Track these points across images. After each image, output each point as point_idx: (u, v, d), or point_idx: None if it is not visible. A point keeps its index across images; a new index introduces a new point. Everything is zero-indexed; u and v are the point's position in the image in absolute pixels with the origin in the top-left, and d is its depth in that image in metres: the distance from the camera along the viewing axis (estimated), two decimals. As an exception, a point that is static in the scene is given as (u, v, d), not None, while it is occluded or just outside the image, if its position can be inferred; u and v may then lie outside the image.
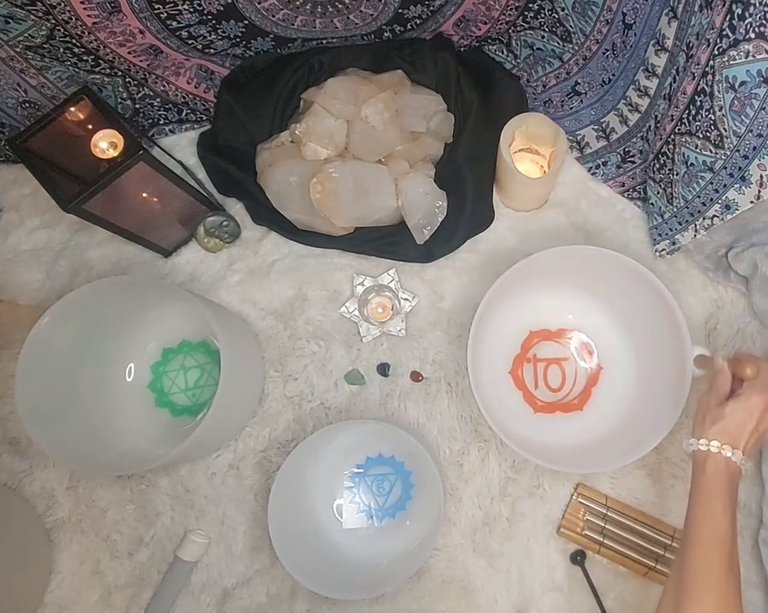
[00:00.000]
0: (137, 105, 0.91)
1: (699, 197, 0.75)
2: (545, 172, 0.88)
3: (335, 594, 0.76)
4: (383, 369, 0.87)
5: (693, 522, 0.60)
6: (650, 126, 0.81)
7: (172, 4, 0.71)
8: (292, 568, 0.74)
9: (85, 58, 0.79)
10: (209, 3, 0.72)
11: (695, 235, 0.79)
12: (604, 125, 0.90)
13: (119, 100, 0.89)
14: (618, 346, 0.85)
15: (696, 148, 0.70)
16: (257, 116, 0.92)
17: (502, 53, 0.94)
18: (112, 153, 0.73)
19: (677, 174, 0.76)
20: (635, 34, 0.74)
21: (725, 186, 0.70)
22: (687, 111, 0.69)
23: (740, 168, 0.66)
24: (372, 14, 0.80)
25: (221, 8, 0.73)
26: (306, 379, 0.88)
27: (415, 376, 0.87)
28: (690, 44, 0.64)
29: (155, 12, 0.72)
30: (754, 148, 0.63)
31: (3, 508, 0.83)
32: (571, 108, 0.92)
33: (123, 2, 0.70)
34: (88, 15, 0.71)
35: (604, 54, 0.81)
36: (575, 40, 0.83)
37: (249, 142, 0.93)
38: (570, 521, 0.81)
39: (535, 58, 0.91)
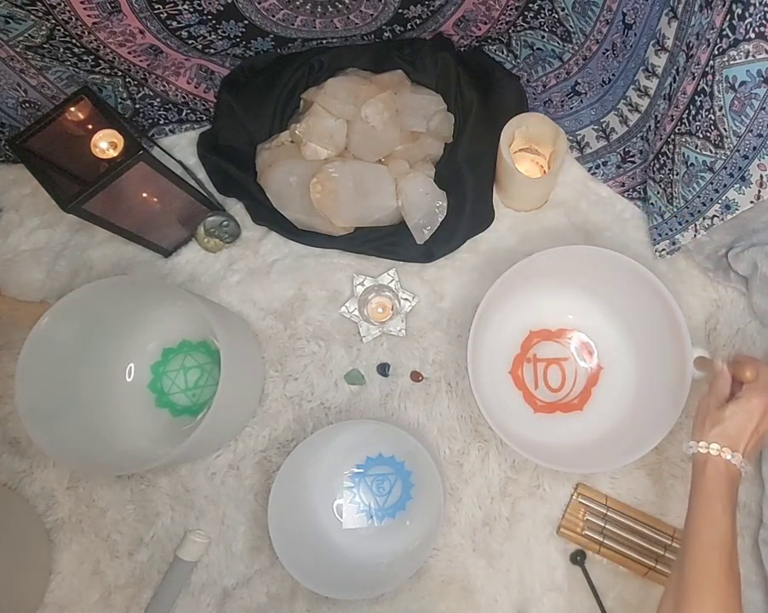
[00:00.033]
0: (137, 105, 0.91)
1: (699, 197, 0.75)
2: (545, 172, 0.88)
3: (335, 594, 0.76)
4: (383, 369, 0.87)
5: (693, 524, 0.60)
6: (650, 126, 0.81)
7: (172, 4, 0.71)
8: (292, 568, 0.74)
9: (85, 58, 0.79)
10: (209, 3, 0.72)
11: (695, 235, 0.79)
12: (604, 125, 0.90)
13: (119, 100, 0.89)
14: (618, 346, 0.85)
15: (696, 148, 0.70)
16: (257, 116, 0.92)
17: (502, 53, 0.94)
18: (112, 153, 0.73)
19: (677, 174, 0.76)
20: (635, 34, 0.74)
21: (724, 186, 0.70)
22: (687, 111, 0.69)
23: (740, 168, 0.66)
24: (372, 14, 0.80)
25: (221, 8, 0.73)
26: (306, 379, 0.88)
27: (415, 376, 0.87)
28: (690, 44, 0.64)
29: (155, 12, 0.72)
30: (754, 148, 0.63)
31: (3, 508, 0.83)
32: (571, 108, 0.92)
33: (123, 2, 0.70)
34: (88, 15, 0.71)
35: (604, 54, 0.81)
36: (575, 40, 0.83)
37: (249, 142, 0.93)
38: (570, 521, 0.81)
39: (535, 58, 0.91)
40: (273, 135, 0.91)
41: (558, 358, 0.86)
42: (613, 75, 0.83)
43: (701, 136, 0.68)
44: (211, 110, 0.95)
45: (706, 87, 0.63)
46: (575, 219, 0.92)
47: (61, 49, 0.76)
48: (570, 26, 0.81)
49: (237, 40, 0.82)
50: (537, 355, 0.87)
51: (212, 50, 0.83)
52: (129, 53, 0.80)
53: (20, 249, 0.95)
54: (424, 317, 0.89)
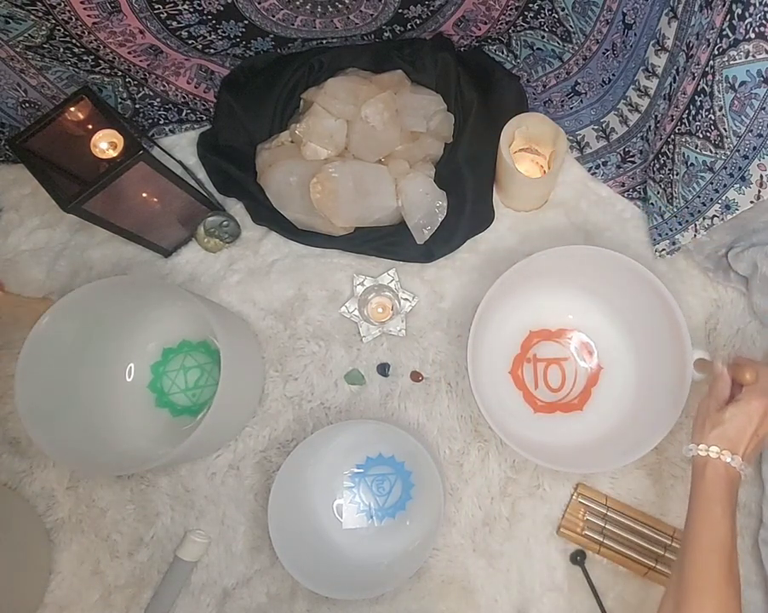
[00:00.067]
0: (137, 105, 0.91)
1: (699, 197, 0.75)
2: (545, 172, 0.88)
3: (335, 594, 0.76)
4: (383, 369, 0.87)
5: (693, 527, 0.60)
6: (650, 126, 0.81)
7: (172, 4, 0.71)
8: (292, 568, 0.74)
9: (85, 58, 0.79)
10: (209, 3, 0.72)
11: (695, 235, 0.79)
12: (604, 125, 0.90)
13: (119, 100, 0.89)
14: (618, 346, 0.85)
15: (696, 148, 0.70)
16: (257, 116, 0.92)
17: (502, 53, 0.94)
18: (112, 153, 0.73)
19: (677, 174, 0.76)
20: (635, 34, 0.74)
21: (725, 186, 0.70)
22: (687, 111, 0.69)
23: (740, 168, 0.66)
24: (372, 14, 0.80)
25: (221, 8, 0.73)
26: (306, 379, 0.88)
27: (415, 376, 0.87)
28: (690, 44, 0.64)
29: (155, 12, 0.72)
30: (754, 148, 0.63)
31: (3, 508, 0.83)
32: (571, 108, 0.92)
33: (123, 2, 0.70)
34: (88, 15, 0.71)
35: (604, 54, 0.81)
36: (575, 40, 0.83)
37: (249, 142, 0.93)
38: (570, 521, 0.81)
39: (535, 58, 0.91)
40: (273, 135, 0.91)
41: (558, 358, 0.86)
42: (613, 75, 0.83)
43: (701, 136, 0.68)
44: (211, 110, 0.95)
45: (706, 87, 0.63)
46: (575, 219, 0.92)
47: (61, 49, 0.76)
48: (570, 26, 0.81)
49: (237, 40, 0.82)
50: (537, 355, 0.87)
51: (212, 50, 0.83)
52: (129, 53, 0.80)
53: (20, 249, 0.95)
54: (424, 317, 0.89)
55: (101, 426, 0.82)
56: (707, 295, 0.87)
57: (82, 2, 0.69)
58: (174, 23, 0.75)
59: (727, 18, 0.56)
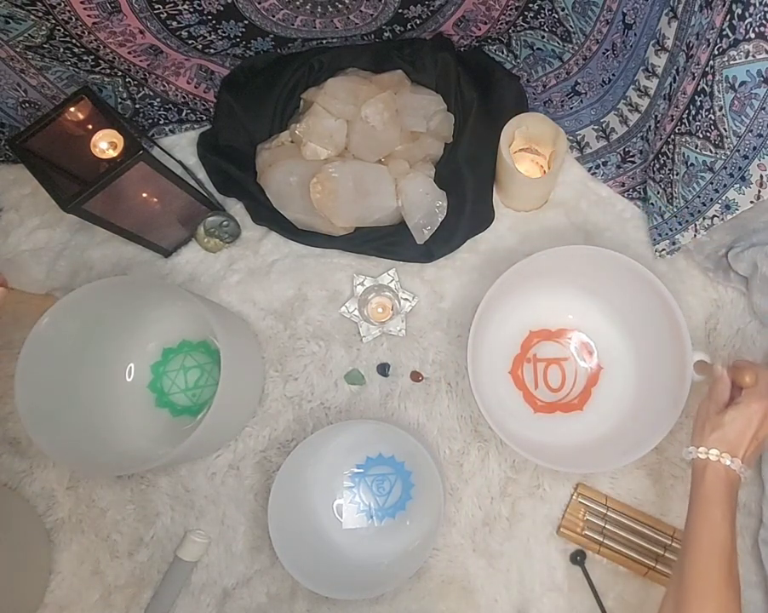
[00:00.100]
0: (137, 105, 0.91)
1: (699, 197, 0.75)
2: (545, 172, 0.88)
3: (335, 594, 0.76)
4: (383, 369, 0.87)
5: (693, 530, 0.60)
6: (650, 126, 0.81)
7: (172, 4, 0.71)
8: (292, 568, 0.74)
9: (85, 58, 0.79)
10: (209, 3, 0.72)
11: (695, 235, 0.79)
12: (604, 125, 0.90)
13: (119, 100, 0.89)
14: (618, 346, 0.85)
15: (696, 148, 0.70)
16: (257, 116, 0.92)
17: (502, 53, 0.94)
18: (112, 153, 0.73)
19: (677, 174, 0.76)
20: (635, 34, 0.74)
21: (725, 186, 0.70)
22: (687, 111, 0.69)
23: (740, 168, 0.66)
24: (372, 14, 0.80)
25: (221, 8, 0.73)
26: (306, 379, 0.88)
27: (415, 376, 0.87)
28: (690, 44, 0.64)
29: (155, 12, 0.72)
30: (754, 148, 0.63)
31: (3, 508, 0.83)
32: (571, 108, 0.92)
33: (123, 2, 0.70)
34: (88, 15, 0.71)
35: (604, 54, 0.81)
36: (575, 40, 0.83)
37: (249, 142, 0.93)
38: (570, 521, 0.81)
39: (535, 58, 0.91)
40: (273, 135, 0.91)
41: (558, 358, 0.86)
42: (613, 75, 0.83)
43: (701, 136, 0.68)
44: (211, 110, 0.95)
45: (706, 87, 0.63)
46: (575, 219, 0.92)
47: (61, 49, 0.76)
48: (570, 26, 0.81)
49: (237, 40, 0.82)
50: (537, 355, 0.87)
51: (212, 50, 0.83)
52: (129, 53, 0.80)
53: (19, 249, 0.95)
54: (424, 317, 0.89)
55: (101, 426, 0.82)
56: (707, 295, 0.87)
57: (82, 3, 0.69)
58: (174, 23, 0.75)
59: (727, 18, 0.56)
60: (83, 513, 0.86)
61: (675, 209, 0.80)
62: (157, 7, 0.71)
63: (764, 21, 0.53)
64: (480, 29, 0.88)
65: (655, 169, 0.82)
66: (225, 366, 0.71)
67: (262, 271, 0.92)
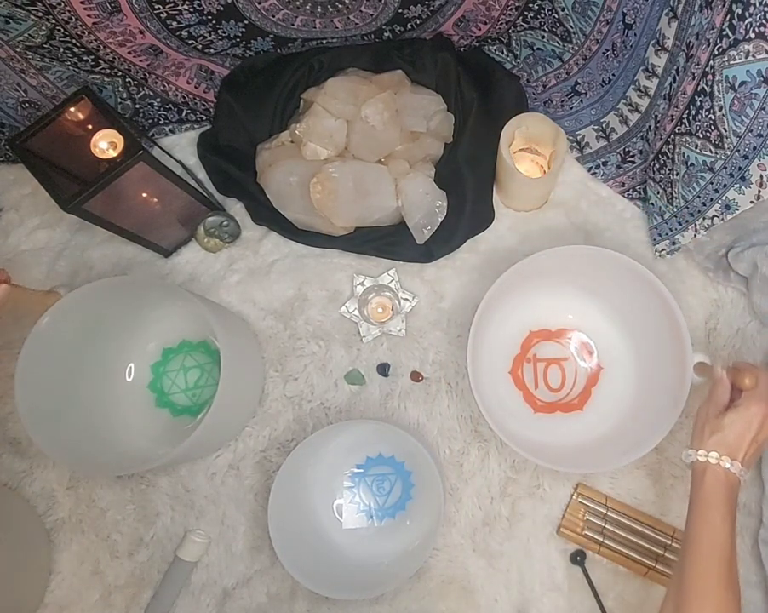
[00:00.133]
0: (137, 105, 0.91)
1: (699, 197, 0.75)
2: (545, 172, 0.88)
3: (335, 594, 0.76)
4: (383, 369, 0.87)
5: (692, 533, 0.60)
6: (650, 126, 0.81)
7: (172, 4, 0.71)
8: (292, 568, 0.74)
9: (85, 58, 0.79)
10: (209, 3, 0.72)
11: (695, 235, 0.79)
12: (604, 125, 0.90)
13: (119, 100, 0.89)
14: (618, 346, 0.85)
15: (696, 148, 0.70)
16: (257, 116, 0.92)
17: (502, 53, 0.94)
18: (112, 153, 0.73)
19: (677, 174, 0.76)
20: (635, 34, 0.74)
21: (725, 186, 0.70)
22: (687, 111, 0.69)
23: (740, 168, 0.66)
24: (372, 14, 0.80)
25: (221, 8, 0.73)
26: (306, 379, 0.88)
27: (415, 376, 0.87)
28: (690, 44, 0.64)
29: (155, 12, 0.72)
30: (754, 148, 0.63)
31: (3, 508, 0.83)
32: (571, 108, 0.92)
33: (123, 2, 0.70)
34: (88, 15, 0.71)
35: (604, 54, 0.81)
36: (575, 40, 0.83)
37: (249, 142, 0.93)
38: (570, 521, 0.81)
39: (535, 58, 0.91)
40: (273, 135, 0.91)
41: (558, 358, 0.86)
42: (613, 75, 0.83)
43: (701, 136, 0.68)
44: (211, 110, 0.95)
45: (706, 87, 0.63)
46: (575, 219, 0.92)
47: (61, 49, 0.76)
48: (570, 26, 0.81)
49: (237, 40, 0.82)
50: (537, 355, 0.87)
51: (212, 50, 0.83)
52: (129, 53, 0.80)
53: (20, 249, 0.95)
54: (424, 317, 0.89)
55: (101, 426, 0.82)
56: (707, 295, 0.87)
57: (82, 3, 0.69)
58: (174, 23, 0.75)
59: (727, 18, 0.56)
60: (83, 513, 0.86)
61: (675, 209, 0.80)
62: (157, 7, 0.71)
63: (764, 21, 0.53)
64: (480, 29, 0.88)
65: (655, 169, 0.82)
66: (225, 366, 0.71)
67: (262, 271, 0.92)
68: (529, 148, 0.89)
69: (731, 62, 0.58)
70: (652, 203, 0.85)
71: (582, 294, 0.85)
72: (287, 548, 0.75)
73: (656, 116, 0.78)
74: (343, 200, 0.86)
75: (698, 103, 0.66)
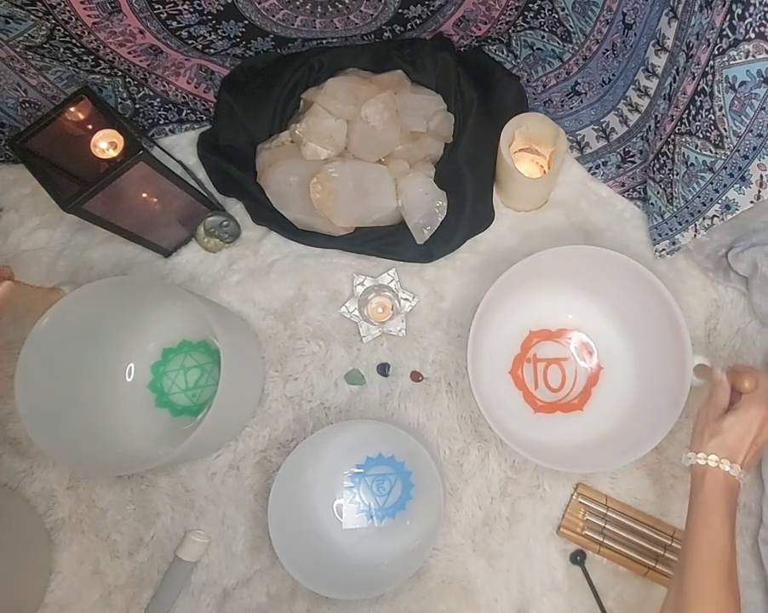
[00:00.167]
0: (137, 105, 0.91)
1: (699, 197, 0.75)
2: (545, 172, 0.88)
3: (335, 594, 0.76)
4: (383, 369, 0.87)
5: (692, 536, 0.60)
6: (650, 126, 0.81)
7: (172, 4, 0.71)
8: (292, 568, 0.74)
9: (85, 58, 0.79)
10: (209, 3, 0.72)
11: (695, 235, 0.79)
12: (604, 125, 0.90)
13: (119, 100, 0.89)
14: (618, 346, 0.85)
15: (696, 148, 0.70)
16: (257, 116, 0.92)
17: (502, 53, 0.94)
18: (112, 153, 0.73)
19: (677, 174, 0.76)
20: (635, 34, 0.74)
21: (725, 186, 0.70)
22: (687, 111, 0.69)
23: (740, 168, 0.66)
24: (372, 14, 0.80)
25: (221, 8, 0.73)
26: (306, 379, 0.88)
27: (415, 376, 0.87)
28: (690, 44, 0.64)
29: (155, 12, 0.72)
30: (754, 148, 0.63)
31: (3, 508, 0.83)
32: (571, 108, 0.92)
33: (123, 2, 0.70)
34: (88, 15, 0.71)
35: (604, 54, 0.81)
36: (575, 40, 0.83)
37: (249, 142, 0.93)
38: (570, 521, 0.81)
39: (535, 58, 0.91)
40: (273, 135, 0.91)
41: (558, 358, 0.86)
42: (613, 75, 0.83)
43: (701, 136, 0.68)
44: (211, 110, 0.95)
45: (706, 87, 0.63)
46: (575, 219, 0.92)
47: (61, 49, 0.76)
48: (570, 26, 0.81)
49: (237, 40, 0.82)
50: (537, 355, 0.87)
51: (212, 50, 0.83)
52: (129, 53, 0.80)
53: (19, 249, 0.95)
54: (424, 317, 0.89)
55: (101, 426, 0.82)
56: (707, 295, 0.87)
57: (82, 3, 0.69)
58: (174, 23, 0.75)
59: (727, 18, 0.56)
60: (83, 513, 0.86)
61: (675, 209, 0.80)
62: (157, 7, 0.71)
63: (764, 21, 0.53)
64: (480, 29, 0.88)
65: (655, 168, 0.82)
66: (225, 366, 0.71)
67: (262, 271, 0.92)
68: (529, 148, 0.89)
69: (731, 62, 0.58)
70: (652, 203, 0.85)
71: (582, 294, 0.85)
72: (287, 548, 0.75)
73: (656, 116, 0.78)
74: (343, 200, 0.86)
75: (698, 103, 0.66)
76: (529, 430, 0.82)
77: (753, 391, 0.64)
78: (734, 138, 0.64)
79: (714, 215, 0.74)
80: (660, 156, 0.79)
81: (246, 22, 0.77)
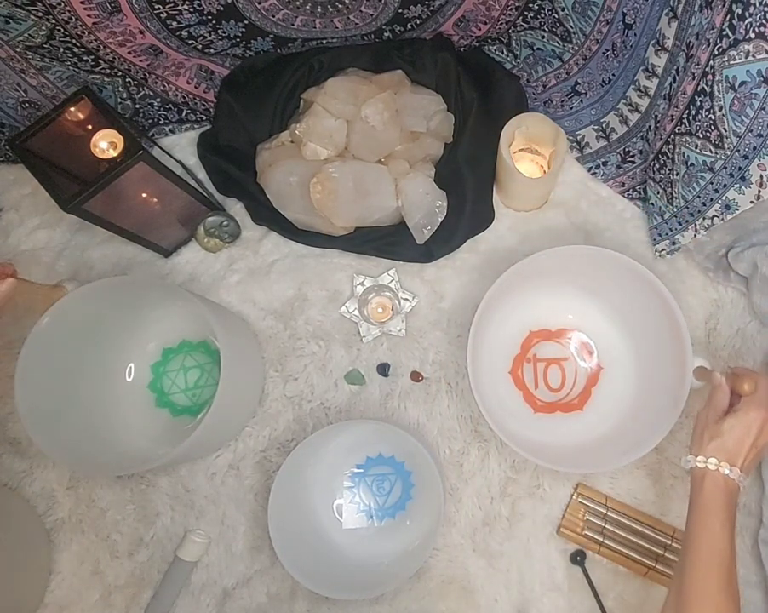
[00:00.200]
0: (137, 105, 0.91)
1: (699, 197, 0.75)
2: (545, 172, 0.88)
3: (335, 594, 0.76)
4: (383, 369, 0.87)
5: (692, 539, 0.60)
6: (650, 126, 0.81)
7: (172, 4, 0.71)
8: (292, 568, 0.74)
9: (85, 58, 0.79)
10: (209, 3, 0.72)
11: (695, 235, 0.79)
12: (604, 125, 0.90)
13: (119, 100, 0.89)
14: (618, 346, 0.85)
15: (696, 148, 0.70)
16: (257, 116, 0.92)
17: (502, 53, 0.94)
18: (112, 153, 0.73)
19: (677, 174, 0.76)
20: (635, 34, 0.74)
21: (725, 186, 0.70)
22: (687, 111, 0.69)
23: (740, 168, 0.66)
24: (372, 14, 0.80)
25: (221, 8, 0.73)
26: (306, 379, 0.88)
27: (415, 376, 0.87)
28: (690, 44, 0.64)
29: (155, 12, 0.72)
30: (754, 148, 0.63)
31: (3, 508, 0.83)
32: (571, 108, 0.92)
33: (123, 2, 0.70)
34: (88, 15, 0.71)
35: (604, 54, 0.81)
36: (575, 40, 0.83)
37: (249, 142, 0.93)
38: (570, 521, 0.81)
39: (535, 58, 0.91)
40: (273, 135, 0.91)
41: (558, 358, 0.86)
42: (613, 75, 0.83)
43: (701, 136, 0.68)
44: (211, 110, 0.95)
45: (706, 87, 0.63)
46: (575, 219, 0.92)
47: (61, 49, 0.76)
48: (570, 26, 0.81)
49: (237, 40, 0.82)
50: (537, 355, 0.87)
51: (212, 50, 0.83)
52: (129, 53, 0.80)
53: (19, 249, 0.95)
54: (424, 317, 0.89)
55: (101, 426, 0.82)
56: (707, 295, 0.87)
57: (82, 3, 0.69)
58: (174, 23, 0.75)
59: (727, 18, 0.56)
60: (83, 513, 0.86)
61: (675, 209, 0.80)
62: (157, 7, 0.71)
63: (764, 21, 0.53)
64: (480, 29, 0.88)
65: (655, 168, 0.82)
66: (225, 366, 0.71)
67: (262, 271, 0.92)
68: (529, 148, 0.89)
69: (731, 62, 0.58)
70: (652, 203, 0.85)
71: (582, 294, 0.85)
72: (287, 548, 0.75)
73: (656, 116, 0.78)
74: (343, 200, 0.86)
75: (698, 103, 0.66)
76: (529, 430, 0.82)
77: (752, 393, 0.64)
78: (734, 138, 0.64)
79: (714, 215, 0.74)
80: (660, 156, 0.79)
81: (246, 22, 0.77)
